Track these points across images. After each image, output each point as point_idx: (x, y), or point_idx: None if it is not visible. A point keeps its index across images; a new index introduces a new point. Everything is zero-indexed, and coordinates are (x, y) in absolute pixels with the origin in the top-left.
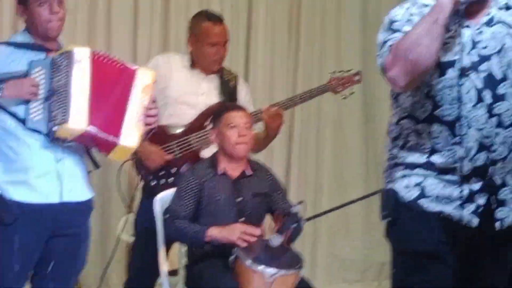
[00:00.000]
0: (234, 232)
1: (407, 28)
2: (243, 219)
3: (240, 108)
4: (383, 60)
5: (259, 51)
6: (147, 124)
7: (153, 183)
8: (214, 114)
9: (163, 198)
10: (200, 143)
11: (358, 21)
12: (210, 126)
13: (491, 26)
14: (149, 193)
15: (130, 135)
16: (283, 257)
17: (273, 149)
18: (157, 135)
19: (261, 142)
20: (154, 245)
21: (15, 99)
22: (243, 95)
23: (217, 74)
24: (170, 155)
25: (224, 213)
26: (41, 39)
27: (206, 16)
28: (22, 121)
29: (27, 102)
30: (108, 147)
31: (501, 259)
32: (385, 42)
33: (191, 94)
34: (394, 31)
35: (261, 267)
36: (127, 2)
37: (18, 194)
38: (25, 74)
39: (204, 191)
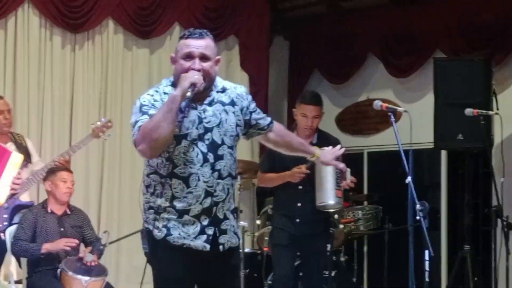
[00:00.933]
0: (61, 243)
1: (152, 111)
2: None
3: (70, 170)
4: (134, 138)
5: (79, 128)
6: (12, 189)
7: None
8: (49, 171)
9: (10, 230)
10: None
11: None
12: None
13: (212, 105)
14: None
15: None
16: (94, 269)
17: (90, 192)
18: None
19: None
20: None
21: None
22: (32, 148)
23: (11, 141)
24: None
25: (52, 237)
26: None
27: None
28: None
29: None
30: None
31: (226, 270)
32: (136, 122)
33: None
34: (143, 113)
35: (79, 276)
36: None
37: None
38: None
39: (38, 223)
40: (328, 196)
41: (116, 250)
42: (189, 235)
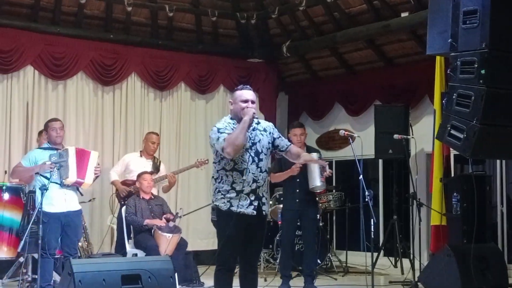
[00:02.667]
0: (155, 221)
1: (227, 131)
2: (152, 214)
3: (149, 173)
4: (221, 145)
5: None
6: (95, 173)
7: (123, 202)
8: (138, 175)
9: (123, 209)
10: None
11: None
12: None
13: (254, 131)
14: (122, 206)
15: (89, 178)
16: (174, 229)
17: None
18: (125, 183)
19: (166, 189)
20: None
21: (44, 171)
22: (162, 168)
23: (152, 159)
24: (128, 190)
25: (145, 213)
26: (54, 145)
27: None
28: (48, 179)
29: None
30: (81, 184)
31: (262, 228)
32: (219, 137)
33: (140, 167)
34: (221, 132)
35: (164, 234)
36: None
37: (49, 208)
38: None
39: (137, 205)
40: (317, 181)
41: (186, 219)
42: (243, 206)
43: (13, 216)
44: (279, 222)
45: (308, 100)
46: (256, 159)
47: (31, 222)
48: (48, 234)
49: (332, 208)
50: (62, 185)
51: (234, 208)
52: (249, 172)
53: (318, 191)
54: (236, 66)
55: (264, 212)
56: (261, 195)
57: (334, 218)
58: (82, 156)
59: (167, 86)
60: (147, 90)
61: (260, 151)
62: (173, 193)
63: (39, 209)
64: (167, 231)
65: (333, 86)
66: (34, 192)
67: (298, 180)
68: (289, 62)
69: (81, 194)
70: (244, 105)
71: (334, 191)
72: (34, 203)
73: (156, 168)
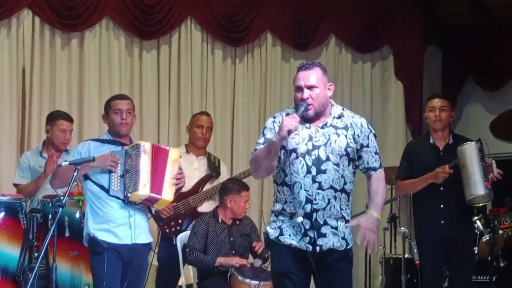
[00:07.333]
0: (233, 260)
1: (268, 135)
2: (234, 251)
3: (247, 188)
4: (251, 156)
5: (240, 138)
6: (176, 184)
7: (167, 230)
8: (229, 186)
9: (181, 237)
10: (196, 202)
11: None
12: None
13: (324, 128)
14: (165, 236)
15: (168, 191)
16: (263, 273)
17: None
18: None
19: None
20: (172, 268)
21: (101, 172)
22: (225, 172)
23: (205, 156)
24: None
25: (222, 247)
26: (117, 136)
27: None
28: (107, 190)
29: (109, 173)
30: (155, 201)
31: (332, 271)
32: (258, 142)
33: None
34: (263, 134)
35: (248, 280)
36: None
37: (103, 237)
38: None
39: (210, 232)
40: (478, 188)
41: None
42: (296, 236)
43: (8, 249)
44: (416, 262)
45: (476, 58)
46: (313, 169)
47: (39, 260)
48: (105, 274)
49: None
50: (126, 201)
51: (285, 238)
52: (301, 187)
53: (481, 204)
54: (357, 3)
55: (320, 247)
56: (320, 222)
57: None
58: (158, 156)
59: (244, 38)
60: (211, 45)
61: (324, 158)
62: (254, 217)
63: (92, 236)
64: (250, 275)
65: None
66: (40, 211)
67: (442, 188)
68: None
69: (160, 223)
70: (298, 95)
71: None
72: (40, 227)
73: (215, 171)
